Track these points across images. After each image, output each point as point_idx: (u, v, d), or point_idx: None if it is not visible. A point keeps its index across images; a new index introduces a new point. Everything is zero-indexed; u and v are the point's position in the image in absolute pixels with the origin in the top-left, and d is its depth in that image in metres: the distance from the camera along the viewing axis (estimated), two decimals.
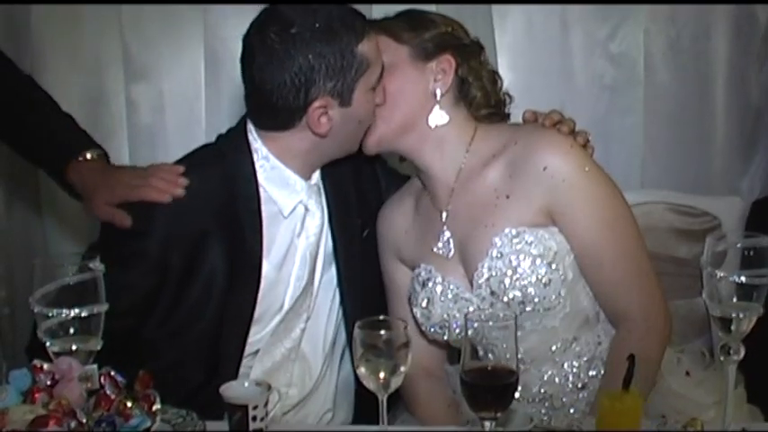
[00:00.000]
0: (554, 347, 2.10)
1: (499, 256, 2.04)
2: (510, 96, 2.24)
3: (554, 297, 2.03)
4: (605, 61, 3.03)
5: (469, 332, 1.68)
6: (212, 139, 2.48)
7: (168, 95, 3.05)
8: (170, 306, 2.11)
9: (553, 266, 2.02)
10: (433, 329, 2.14)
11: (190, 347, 2.13)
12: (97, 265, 1.75)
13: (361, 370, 1.71)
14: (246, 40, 2.08)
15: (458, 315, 2.09)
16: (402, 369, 1.71)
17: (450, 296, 2.11)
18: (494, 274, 2.04)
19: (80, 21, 3.01)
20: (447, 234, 2.15)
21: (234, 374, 2.13)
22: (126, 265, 2.06)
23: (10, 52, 2.42)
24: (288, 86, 2.02)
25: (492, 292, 2.05)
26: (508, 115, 2.25)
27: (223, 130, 2.29)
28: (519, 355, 1.96)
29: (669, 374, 2.14)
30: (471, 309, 2.07)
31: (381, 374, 1.70)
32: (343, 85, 2.03)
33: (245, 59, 2.09)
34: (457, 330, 2.10)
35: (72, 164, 2.18)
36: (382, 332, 1.72)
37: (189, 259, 2.09)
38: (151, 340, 2.13)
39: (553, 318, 2.06)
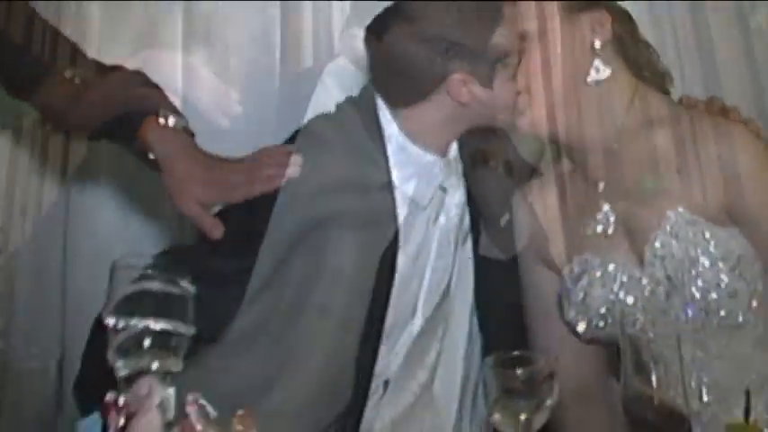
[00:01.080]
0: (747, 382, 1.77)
1: (675, 235, 1.80)
2: (671, 77, 2.01)
3: (741, 315, 1.76)
4: None
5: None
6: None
7: None
8: (279, 335, 1.82)
9: (737, 272, 1.76)
10: (594, 323, 1.87)
11: (302, 387, 1.82)
12: (188, 286, 1.42)
13: (496, 417, 1.45)
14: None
15: (623, 297, 1.84)
16: (548, 403, 1.46)
17: (612, 274, 1.85)
18: (669, 253, 1.79)
19: None
20: (606, 207, 1.91)
21: (359, 413, 1.87)
22: (226, 286, 1.78)
23: None
24: (426, 61, 1.88)
25: (668, 276, 1.79)
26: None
27: None
28: (703, 388, 1.76)
29: None
30: (644, 292, 1.82)
31: (522, 416, 1.44)
32: (481, 70, 1.89)
33: (375, 28, 1.93)
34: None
35: (150, 124, 1.82)
36: (519, 371, 1.44)
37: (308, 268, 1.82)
38: (250, 383, 1.82)
39: (742, 341, 1.78)
